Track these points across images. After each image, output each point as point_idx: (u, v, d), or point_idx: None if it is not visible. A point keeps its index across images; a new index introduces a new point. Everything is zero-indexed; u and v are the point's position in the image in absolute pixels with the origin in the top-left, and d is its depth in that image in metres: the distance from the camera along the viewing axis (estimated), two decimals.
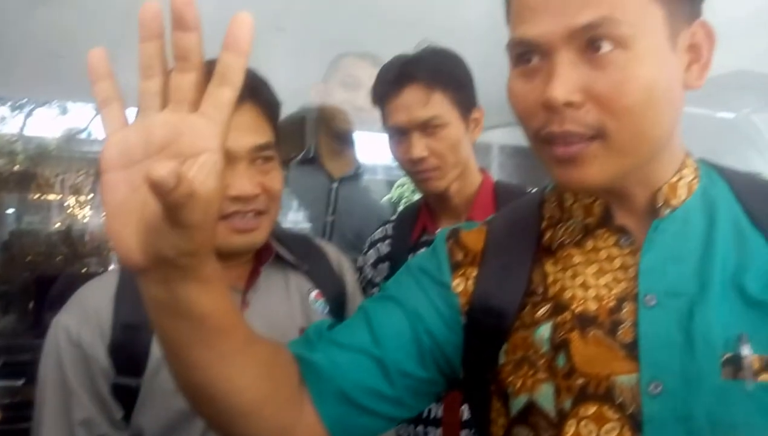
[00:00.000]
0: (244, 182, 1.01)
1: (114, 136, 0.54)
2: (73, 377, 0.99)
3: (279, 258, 1.15)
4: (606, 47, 0.64)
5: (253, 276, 1.11)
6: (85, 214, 6.01)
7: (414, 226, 1.49)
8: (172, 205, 0.50)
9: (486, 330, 0.79)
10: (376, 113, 1.75)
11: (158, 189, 0.48)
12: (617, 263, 0.75)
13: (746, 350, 0.65)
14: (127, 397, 1.00)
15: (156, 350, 0.99)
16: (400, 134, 1.37)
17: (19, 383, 2.94)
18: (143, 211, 0.53)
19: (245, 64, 0.53)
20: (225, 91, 0.53)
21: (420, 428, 1.38)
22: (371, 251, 1.55)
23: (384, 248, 1.52)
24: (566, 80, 0.65)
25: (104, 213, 0.55)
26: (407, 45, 1.40)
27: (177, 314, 0.60)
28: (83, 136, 8.65)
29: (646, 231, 0.74)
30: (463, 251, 0.84)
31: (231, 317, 0.64)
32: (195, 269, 0.57)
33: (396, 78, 1.35)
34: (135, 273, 0.58)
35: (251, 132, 1.03)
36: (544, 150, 0.70)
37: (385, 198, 2.17)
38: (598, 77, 0.64)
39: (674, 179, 0.74)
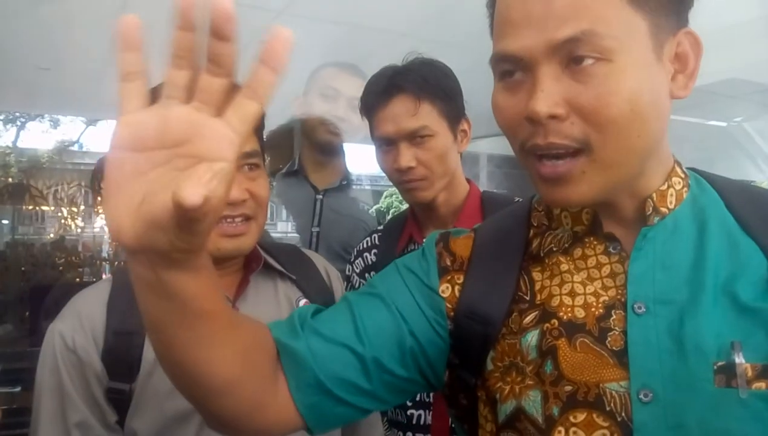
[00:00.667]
0: (233, 187, 1.03)
1: (131, 117, 0.52)
2: (69, 382, 1.01)
3: (268, 267, 1.18)
4: (588, 60, 0.63)
5: (242, 284, 1.13)
6: (78, 224, 6.00)
7: (401, 235, 1.51)
8: (189, 220, 0.51)
9: (473, 336, 0.79)
10: (356, 124, 1.75)
11: (183, 210, 0.48)
12: (606, 270, 0.74)
13: (739, 358, 0.64)
14: (120, 401, 1.03)
15: (148, 355, 1.02)
16: (387, 144, 1.38)
17: (16, 390, 2.96)
18: (145, 200, 0.52)
19: (276, 82, 0.51)
20: (252, 105, 0.52)
21: (409, 434, 1.39)
22: (358, 259, 1.57)
23: (371, 257, 1.54)
24: (549, 93, 0.65)
25: (104, 186, 0.53)
26: (395, 56, 1.42)
27: (161, 294, 0.59)
28: (75, 148, 8.66)
29: (635, 239, 0.73)
30: (452, 256, 0.84)
31: (214, 301, 0.64)
32: (186, 262, 0.58)
33: (384, 89, 1.36)
34: (122, 248, 0.56)
35: None
36: (531, 165, 0.70)
37: (374, 208, 2.17)
38: (581, 90, 0.64)
39: (663, 187, 0.74)
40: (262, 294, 1.16)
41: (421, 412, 1.38)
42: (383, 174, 1.47)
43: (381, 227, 1.61)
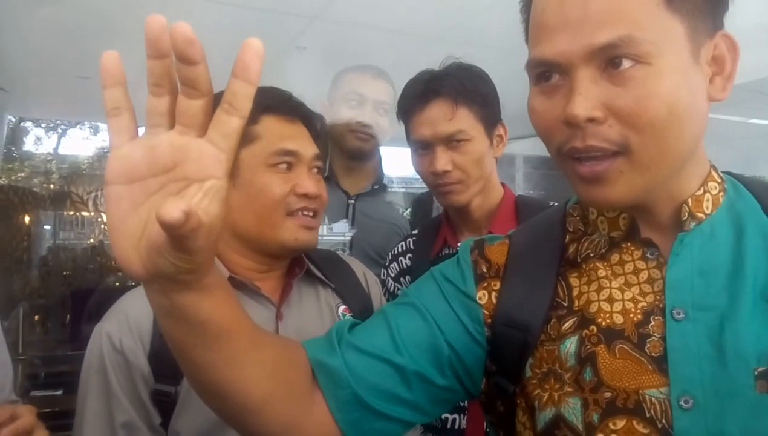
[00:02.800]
0: (311, 183, 1.11)
1: (119, 150, 0.53)
2: (116, 382, 1.02)
3: (309, 273, 1.19)
4: (626, 63, 0.63)
5: (286, 289, 1.15)
6: None
7: (435, 239, 1.51)
8: (178, 237, 0.51)
9: (510, 343, 0.78)
10: (384, 127, 1.74)
11: (168, 228, 0.49)
12: (643, 276, 0.74)
13: None
14: (165, 403, 1.03)
15: None
16: (424, 148, 1.39)
17: (58, 393, 3.02)
18: (144, 229, 0.53)
19: (253, 93, 0.52)
20: (232, 120, 0.53)
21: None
22: (393, 264, 1.57)
23: (405, 261, 1.54)
24: (587, 97, 0.64)
25: (107, 223, 0.55)
26: (430, 60, 1.42)
27: (179, 318, 0.61)
28: None
29: (672, 244, 0.73)
30: (487, 263, 0.84)
31: (234, 321, 0.65)
32: (194, 282, 0.59)
33: (422, 93, 1.37)
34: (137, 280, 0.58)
35: (311, 144, 1.14)
36: (569, 166, 0.70)
37: (408, 211, 2.16)
38: (619, 93, 0.64)
39: (699, 192, 0.73)
40: (305, 300, 1.17)
41: (456, 416, 1.38)
42: (416, 176, 1.48)
43: (415, 232, 1.61)
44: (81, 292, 4.76)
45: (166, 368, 1.02)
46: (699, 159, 0.74)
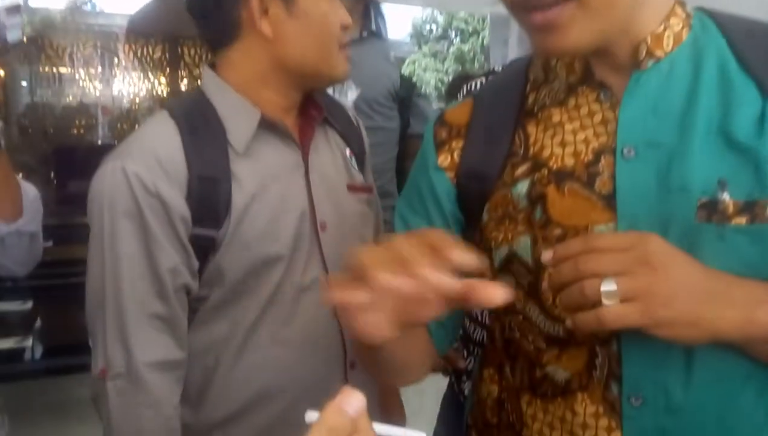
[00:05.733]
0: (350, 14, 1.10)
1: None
2: (156, 226, 0.98)
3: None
4: None
5: (308, 132, 1.13)
6: (95, 87, 5.98)
7: None
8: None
9: (472, 194, 0.82)
10: None
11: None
12: (597, 118, 0.74)
13: (724, 195, 0.66)
14: (204, 248, 1.02)
15: (238, 202, 1.01)
16: None
17: (49, 244, 3.12)
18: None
19: None
20: None
21: (470, 325, 1.48)
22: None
23: None
24: None
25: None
26: None
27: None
28: (87, 8, 8.46)
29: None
30: (447, 128, 0.86)
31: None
32: None
33: None
34: None
35: None
36: (522, 18, 0.69)
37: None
38: None
39: (659, 30, 0.72)
40: (320, 143, 1.16)
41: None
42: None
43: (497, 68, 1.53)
44: (64, 149, 4.76)
45: (207, 211, 1.00)
46: None
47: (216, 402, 1.06)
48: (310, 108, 1.14)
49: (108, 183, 0.99)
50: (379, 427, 0.44)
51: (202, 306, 1.04)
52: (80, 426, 2.76)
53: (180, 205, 0.98)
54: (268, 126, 1.06)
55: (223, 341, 1.05)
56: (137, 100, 5.84)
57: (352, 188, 1.17)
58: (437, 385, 1.70)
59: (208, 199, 1.00)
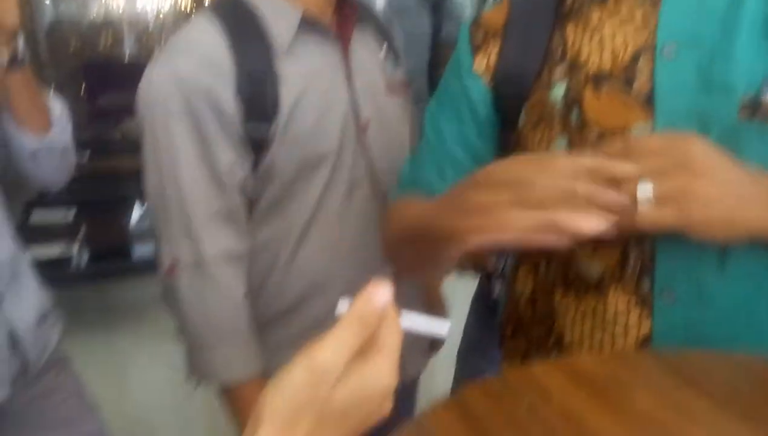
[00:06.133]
0: None
1: None
2: (211, 125, 0.99)
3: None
4: None
5: (347, 31, 1.13)
6: (119, 4, 5.91)
7: None
8: None
9: (509, 96, 0.82)
10: None
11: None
12: (638, 16, 0.74)
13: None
14: (256, 143, 1.03)
15: (287, 99, 1.02)
16: None
17: (85, 157, 3.19)
18: None
19: None
20: None
21: None
22: None
23: None
24: None
25: None
26: None
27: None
28: None
29: None
30: (483, 30, 0.85)
31: None
32: None
33: None
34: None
35: None
36: None
37: None
38: None
39: None
40: (359, 41, 1.17)
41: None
42: None
43: None
44: (93, 64, 4.76)
45: (256, 107, 1.00)
46: None
47: (274, 296, 1.11)
48: (345, 7, 1.14)
49: (157, 87, 1.00)
50: (406, 314, 0.47)
51: (257, 205, 1.07)
52: (128, 326, 2.92)
53: (231, 102, 0.99)
54: (309, 24, 1.05)
55: (279, 239, 1.08)
56: (161, 16, 5.76)
57: (390, 87, 1.18)
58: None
59: (258, 96, 1.01)
